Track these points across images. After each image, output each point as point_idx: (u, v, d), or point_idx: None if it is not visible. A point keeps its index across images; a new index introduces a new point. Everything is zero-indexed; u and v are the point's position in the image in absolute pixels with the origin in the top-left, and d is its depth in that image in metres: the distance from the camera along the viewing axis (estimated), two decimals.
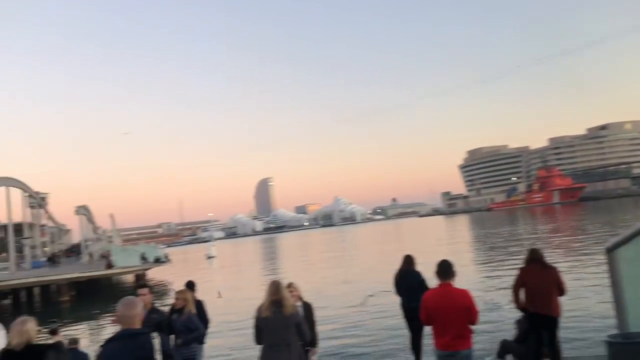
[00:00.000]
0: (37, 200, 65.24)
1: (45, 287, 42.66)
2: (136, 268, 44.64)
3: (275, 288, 5.44)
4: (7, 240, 57.44)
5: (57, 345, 4.28)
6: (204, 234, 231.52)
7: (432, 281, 6.80)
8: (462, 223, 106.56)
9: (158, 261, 47.35)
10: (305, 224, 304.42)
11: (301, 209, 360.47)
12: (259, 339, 5.44)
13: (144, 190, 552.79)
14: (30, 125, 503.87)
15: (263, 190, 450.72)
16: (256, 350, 5.66)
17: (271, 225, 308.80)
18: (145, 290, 6.68)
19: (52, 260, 54.86)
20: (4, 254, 66.65)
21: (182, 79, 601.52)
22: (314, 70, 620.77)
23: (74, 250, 74.03)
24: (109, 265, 43.28)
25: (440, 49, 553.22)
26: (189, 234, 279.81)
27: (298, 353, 5.37)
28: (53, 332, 8.31)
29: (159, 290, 41.04)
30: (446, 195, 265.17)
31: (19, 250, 59.33)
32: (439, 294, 5.51)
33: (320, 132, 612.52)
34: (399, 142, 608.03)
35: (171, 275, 47.05)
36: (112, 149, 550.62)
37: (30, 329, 4.12)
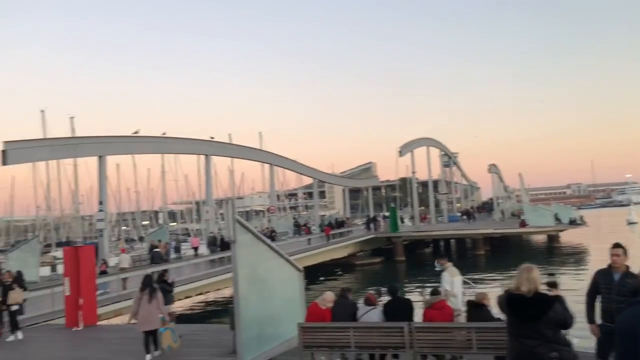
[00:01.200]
0: (450, 159, 69.97)
1: (460, 239, 45.61)
2: (549, 228, 42.79)
3: None
4: (426, 195, 63.75)
5: (561, 299, 4.48)
6: (620, 197, 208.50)
7: None
8: None
9: (572, 223, 44.14)
10: None
11: None
12: None
13: (552, 150, 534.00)
14: (450, 94, 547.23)
15: None
16: None
17: None
18: (619, 251, 6.04)
19: (468, 215, 57.93)
20: (422, 207, 74.63)
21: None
22: None
23: (486, 207, 77.01)
24: (523, 224, 42.77)
25: None
26: (601, 197, 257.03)
27: None
28: (552, 285, 8.17)
29: (574, 254, 38.41)
30: None
31: (436, 204, 65.01)
32: None
33: None
34: None
35: (588, 240, 43.31)
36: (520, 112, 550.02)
37: (536, 277, 4.32)
